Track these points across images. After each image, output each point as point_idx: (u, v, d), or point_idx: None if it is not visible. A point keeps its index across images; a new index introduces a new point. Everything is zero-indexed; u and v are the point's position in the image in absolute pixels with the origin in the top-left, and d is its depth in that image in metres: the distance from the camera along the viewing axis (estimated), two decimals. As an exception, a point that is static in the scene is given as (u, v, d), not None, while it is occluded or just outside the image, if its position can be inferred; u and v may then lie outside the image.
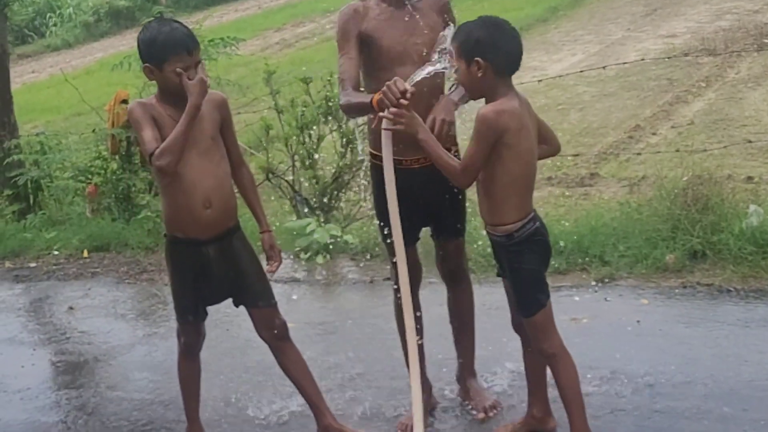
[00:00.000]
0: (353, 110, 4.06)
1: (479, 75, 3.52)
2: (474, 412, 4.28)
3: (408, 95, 3.58)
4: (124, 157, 8.55)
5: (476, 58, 3.50)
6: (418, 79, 3.69)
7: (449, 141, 3.93)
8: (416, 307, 4.08)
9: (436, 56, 3.72)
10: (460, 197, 4.20)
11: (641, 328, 4.96)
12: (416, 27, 3.97)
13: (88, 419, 4.76)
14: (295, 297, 6.22)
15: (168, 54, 3.72)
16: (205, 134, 3.87)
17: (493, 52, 3.51)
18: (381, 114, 3.68)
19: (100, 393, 5.11)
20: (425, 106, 3.83)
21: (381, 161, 3.88)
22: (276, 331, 4.13)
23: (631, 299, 5.38)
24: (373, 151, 4.14)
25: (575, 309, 5.26)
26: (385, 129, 3.69)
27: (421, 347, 4.10)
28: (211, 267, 3.98)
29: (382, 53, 3.96)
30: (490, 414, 4.23)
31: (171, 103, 3.80)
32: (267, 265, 4.13)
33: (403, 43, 3.95)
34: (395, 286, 4.08)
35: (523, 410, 4.04)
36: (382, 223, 4.13)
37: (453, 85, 3.94)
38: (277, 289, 6.26)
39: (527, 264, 3.66)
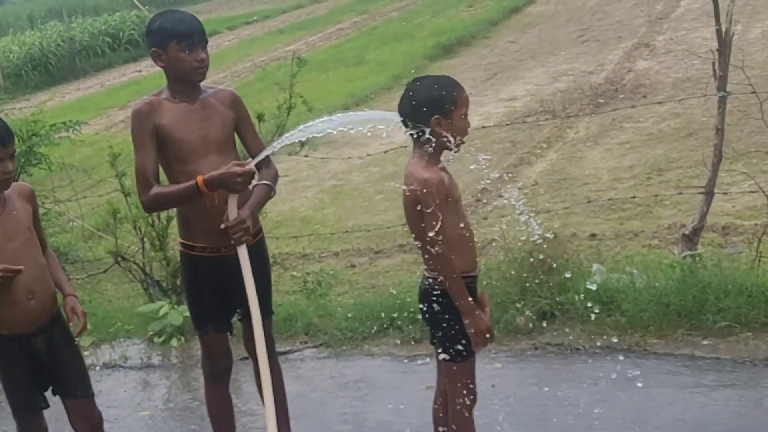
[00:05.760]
0: (172, 200, 4.05)
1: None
2: None
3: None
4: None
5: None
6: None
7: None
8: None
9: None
10: (268, 279, 4.31)
11: (496, 391, 5.02)
12: (209, 119, 4.02)
13: None
14: (151, 383, 6.09)
15: None
16: (23, 226, 3.86)
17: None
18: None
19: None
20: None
21: (193, 250, 4.03)
22: (92, 423, 4.11)
23: (485, 363, 5.42)
24: (183, 241, 4.17)
25: (430, 377, 5.29)
26: None
27: None
28: (41, 358, 3.93)
29: (179, 146, 3.97)
30: None
31: None
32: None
33: (198, 135, 3.98)
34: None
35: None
36: (196, 313, 4.24)
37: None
38: (132, 376, 6.20)
39: None
